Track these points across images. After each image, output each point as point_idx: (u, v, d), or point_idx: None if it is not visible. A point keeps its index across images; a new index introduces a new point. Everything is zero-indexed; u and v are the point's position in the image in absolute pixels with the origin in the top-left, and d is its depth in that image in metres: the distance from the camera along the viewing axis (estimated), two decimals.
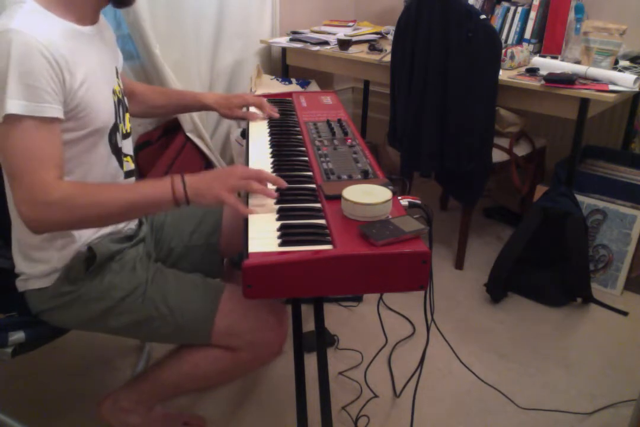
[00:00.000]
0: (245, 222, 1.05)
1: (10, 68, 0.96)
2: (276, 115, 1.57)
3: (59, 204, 1.00)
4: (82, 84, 1.07)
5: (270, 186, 1.12)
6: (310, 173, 1.23)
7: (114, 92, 1.19)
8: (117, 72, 1.25)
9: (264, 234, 1.00)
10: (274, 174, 1.16)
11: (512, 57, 2.14)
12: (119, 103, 1.22)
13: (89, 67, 1.10)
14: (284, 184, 1.11)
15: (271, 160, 1.31)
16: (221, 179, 1.07)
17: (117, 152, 1.23)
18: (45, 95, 0.99)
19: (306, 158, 1.30)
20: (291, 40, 2.68)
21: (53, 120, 1.01)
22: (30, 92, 0.98)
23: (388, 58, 2.24)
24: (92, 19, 1.15)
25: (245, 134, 1.50)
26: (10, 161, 0.99)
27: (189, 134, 2.48)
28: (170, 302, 1.18)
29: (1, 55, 0.96)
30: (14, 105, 0.96)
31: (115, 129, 1.20)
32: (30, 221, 1.00)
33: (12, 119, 0.97)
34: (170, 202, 1.05)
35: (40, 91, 0.98)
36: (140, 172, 2.32)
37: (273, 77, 2.75)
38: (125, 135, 1.27)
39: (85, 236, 1.17)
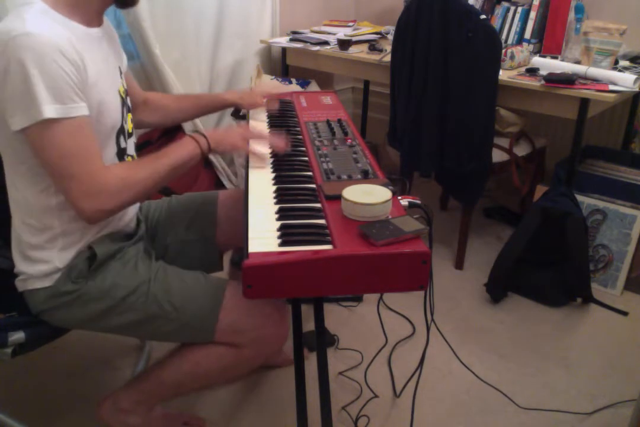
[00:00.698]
0: (245, 222, 1.05)
1: (34, 72, 0.96)
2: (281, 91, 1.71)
3: (122, 187, 1.07)
4: (93, 84, 1.08)
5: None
6: (310, 173, 1.23)
7: (118, 92, 1.20)
8: (120, 73, 1.26)
9: (264, 234, 1.00)
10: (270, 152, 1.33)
11: (512, 57, 2.14)
12: (123, 104, 1.22)
13: (98, 67, 1.11)
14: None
15: (271, 160, 1.31)
16: (234, 133, 1.28)
17: (120, 154, 1.23)
18: (73, 95, 1.01)
19: (306, 158, 1.30)
20: (291, 40, 2.68)
21: (85, 117, 1.04)
22: (59, 94, 0.99)
23: (388, 58, 2.24)
24: (98, 21, 1.16)
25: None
26: (57, 162, 1.02)
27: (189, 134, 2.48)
28: (174, 300, 1.18)
29: (22, 59, 0.95)
30: (49, 110, 0.98)
31: (121, 129, 1.21)
32: (95, 211, 1.05)
33: (49, 123, 0.99)
34: (198, 154, 1.20)
35: (67, 91, 1.00)
36: None
37: (273, 77, 2.75)
38: (129, 136, 1.27)
39: (88, 235, 1.18)
